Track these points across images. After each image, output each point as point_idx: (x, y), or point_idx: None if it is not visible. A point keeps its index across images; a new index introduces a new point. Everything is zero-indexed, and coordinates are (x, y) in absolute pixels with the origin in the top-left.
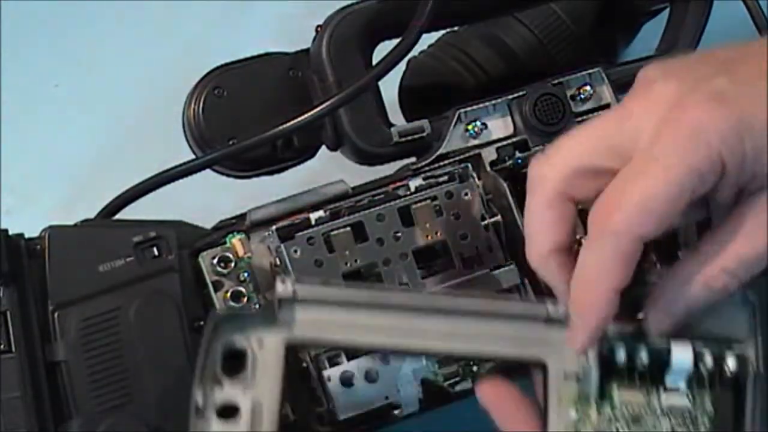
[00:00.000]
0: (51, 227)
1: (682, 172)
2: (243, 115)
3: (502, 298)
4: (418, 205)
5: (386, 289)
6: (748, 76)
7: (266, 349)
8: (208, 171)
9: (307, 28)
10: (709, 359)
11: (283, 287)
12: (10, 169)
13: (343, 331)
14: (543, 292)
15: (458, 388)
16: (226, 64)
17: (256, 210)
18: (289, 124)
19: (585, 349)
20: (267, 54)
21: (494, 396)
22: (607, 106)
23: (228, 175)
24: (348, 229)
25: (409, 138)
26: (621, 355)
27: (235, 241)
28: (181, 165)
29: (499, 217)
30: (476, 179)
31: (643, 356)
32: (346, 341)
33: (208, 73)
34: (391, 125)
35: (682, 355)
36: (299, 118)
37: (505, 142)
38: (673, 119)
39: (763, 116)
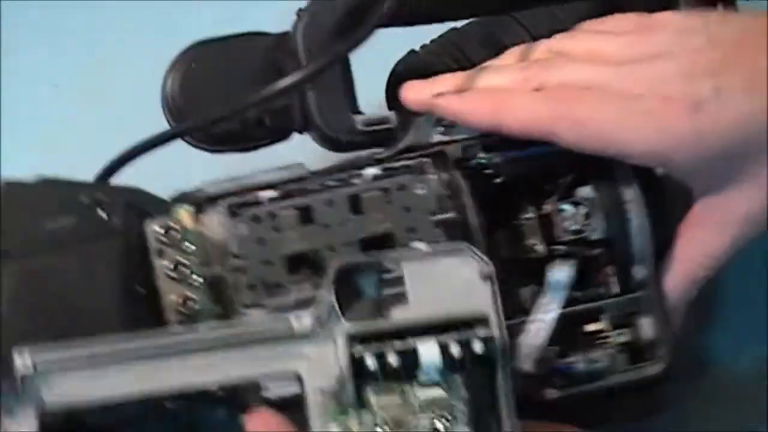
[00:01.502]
0: (6, 182)
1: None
2: (219, 91)
3: (244, 323)
4: (369, 194)
5: (128, 338)
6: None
7: (24, 428)
8: (206, 155)
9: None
10: (455, 348)
11: (22, 361)
12: (9, 169)
13: (95, 389)
14: None
15: None
16: (207, 40)
17: (211, 184)
18: (251, 98)
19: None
20: (249, 33)
21: (262, 427)
22: None
23: (203, 149)
24: (295, 211)
25: (375, 128)
26: (371, 362)
27: (184, 212)
28: (152, 136)
29: (450, 215)
30: (437, 175)
31: (393, 360)
32: (100, 398)
33: (188, 48)
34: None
35: (428, 351)
36: (259, 94)
37: (472, 141)
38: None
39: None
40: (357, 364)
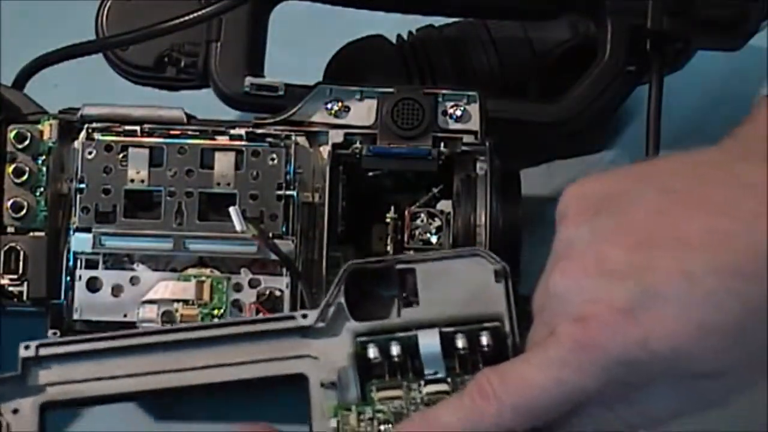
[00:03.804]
0: None
1: (574, 389)
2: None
3: (250, 320)
4: (222, 152)
5: (129, 334)
6: (662, 278)
7: (21, 415)
8: None
9: (306, 28)
10: (462, 341)
11: (26, 350)
12: None
13: (96, 382)
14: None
15: None
16: None
17: (91, 106)
18: (151, 27)
19: None
20: None
21: None
22: (473, 133)
23: (128, 79)
24: (146, 149)
25: (263, 93)
26: (373, 353)
27: (46, 124)
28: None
29: (294, 192)
30: (307, 151)
31: (395, 350)
32: (100, 392)
33: None
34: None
35: (428, 341)
36: (162, 24)
37: (355, 130)
38: (574, 328)
39: (671, 339)
40: (361, 359)
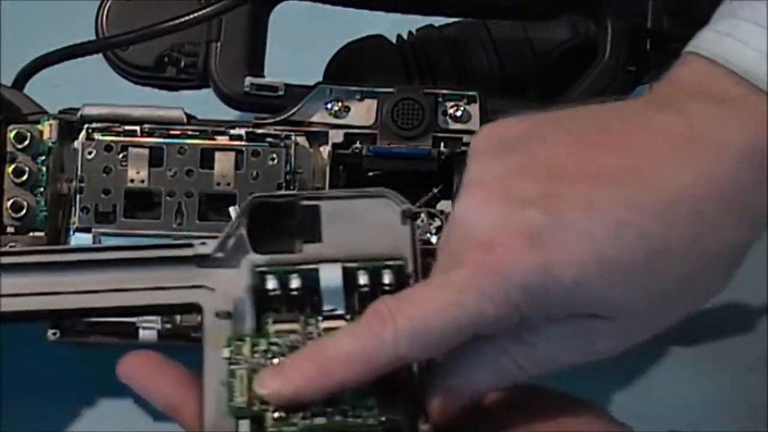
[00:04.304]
0: None
1: (473, 313)
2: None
3: (146, 246)
4: (222, 152)
5: (20, 252)
6: (568, 206)
7: None
8: None
9: (306, 28)
10: (364, 278)
11: None
12: None
13: None
14: None
15: None
16: None
17: (91, 106)
18: (151, 27)
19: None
20: None
21: (133, 370)
22: (473, 133)
23: (128, 79)
24: (146, 149)
25: (263, 93)
26: (272, 284)
27: (46, 124)
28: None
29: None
30: (307, 151)
31: (295, 282)
32: None
33: None
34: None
35: (329, 275)
36: (162, 24)
37: (355, 130)
38: (478, 252)
39: (573, 267)
40: (259, 291)
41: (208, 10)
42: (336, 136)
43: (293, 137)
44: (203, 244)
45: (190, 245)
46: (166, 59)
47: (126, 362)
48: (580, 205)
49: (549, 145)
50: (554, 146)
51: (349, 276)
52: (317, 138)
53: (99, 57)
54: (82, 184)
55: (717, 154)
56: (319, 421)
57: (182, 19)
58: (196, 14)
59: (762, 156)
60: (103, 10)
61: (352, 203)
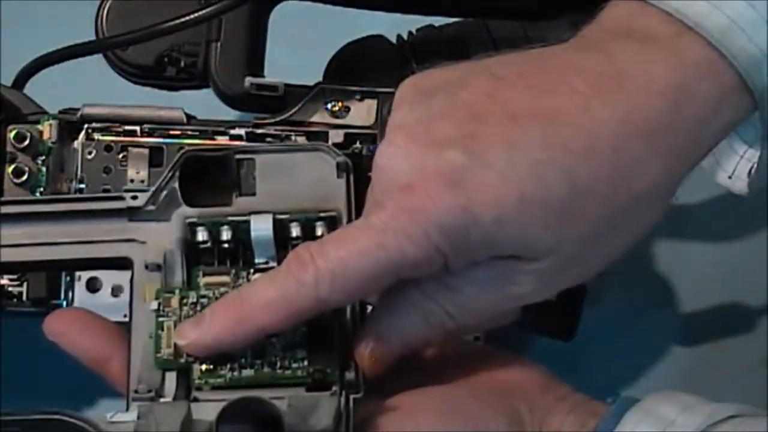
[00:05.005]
0: None
1: (394, 255)
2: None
3: (76, 198)
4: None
5: None
6: (488, 146)
7: None
8: None
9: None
10: (296, 230)
11: None
12: None
13: None
14: None
15: None
16: None
17: (91, 106)
18: (151, 27)
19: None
20: None
21: (59, 327)
22: None
23: (127, 79)
24: (146, 150)
25: (263, 93)
26: (202, 236)
27: (45, 124)
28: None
29: None
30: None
31: (226, 234)
32: None
33: None
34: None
35: (260, 225)
36: (162, 24)
37: (355, 130)
38: (399, 195)
39: (494, 207)
40: (190, 243)
41: (208, 10)
42: (336, 136)
43: (293, 137)
44: (134, 197)
45: (121, 198)
46: (166, 59)
47: (52, 320)
48: (501, 145)
49: (470, 89)
50: (475, 90)
51: (281, 228)
52: (317, 138)
53: (99, 57)
54: (82, 185)
55: (638, 91)
56: (247, 372)
57: (182, 19)
58: (196, 14)
59: (686, 94)
60: (103, 10)
61: (287, 157)
